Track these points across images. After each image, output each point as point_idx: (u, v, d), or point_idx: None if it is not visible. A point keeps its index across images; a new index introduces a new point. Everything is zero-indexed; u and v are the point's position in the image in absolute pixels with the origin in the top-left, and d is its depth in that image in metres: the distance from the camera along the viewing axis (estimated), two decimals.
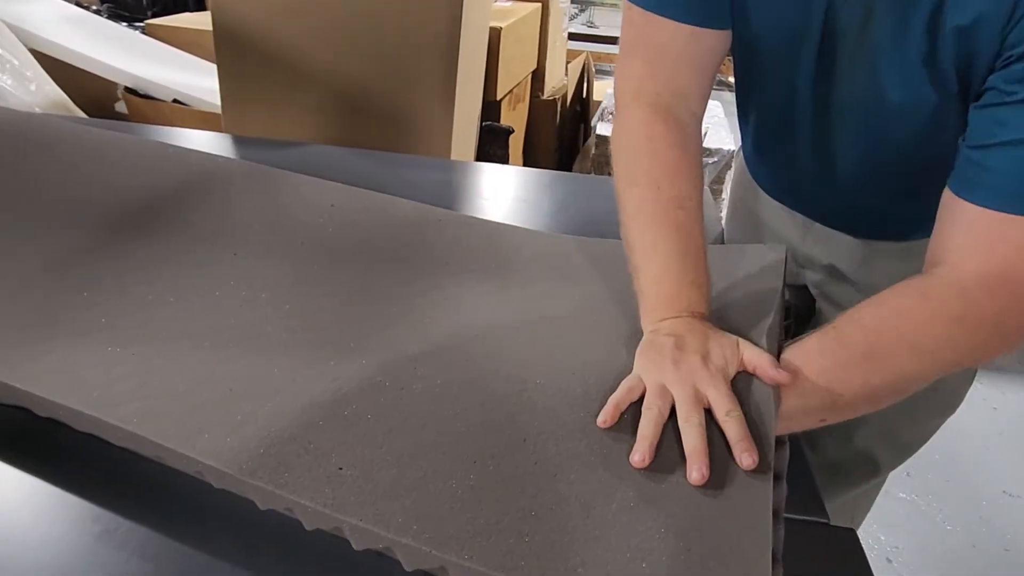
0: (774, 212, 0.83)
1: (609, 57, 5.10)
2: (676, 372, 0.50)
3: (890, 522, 1.43)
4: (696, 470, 0.45)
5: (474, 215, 0.88)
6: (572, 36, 3.36)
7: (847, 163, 0.68)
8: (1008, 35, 0.48)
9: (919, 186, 0.61)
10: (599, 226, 0.89)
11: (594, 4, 4.64)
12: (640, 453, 0.47)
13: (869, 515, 1.32)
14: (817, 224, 0.78)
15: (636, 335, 0.57)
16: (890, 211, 0.72)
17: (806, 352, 0.52)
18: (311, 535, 0.45)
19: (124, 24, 2.26)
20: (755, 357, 0.51)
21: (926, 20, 0.51)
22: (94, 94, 1.89)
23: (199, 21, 2.29)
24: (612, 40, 5.11)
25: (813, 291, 0.84)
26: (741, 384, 0.51)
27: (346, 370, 0.55)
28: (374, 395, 0.52)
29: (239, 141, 1.22)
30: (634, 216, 0.60)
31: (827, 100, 0.64)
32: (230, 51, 1.41)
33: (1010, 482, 1.57)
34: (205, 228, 0.76)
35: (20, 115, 1.09)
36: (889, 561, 1.36)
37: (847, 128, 0.65)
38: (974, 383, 1.78)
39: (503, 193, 1.11)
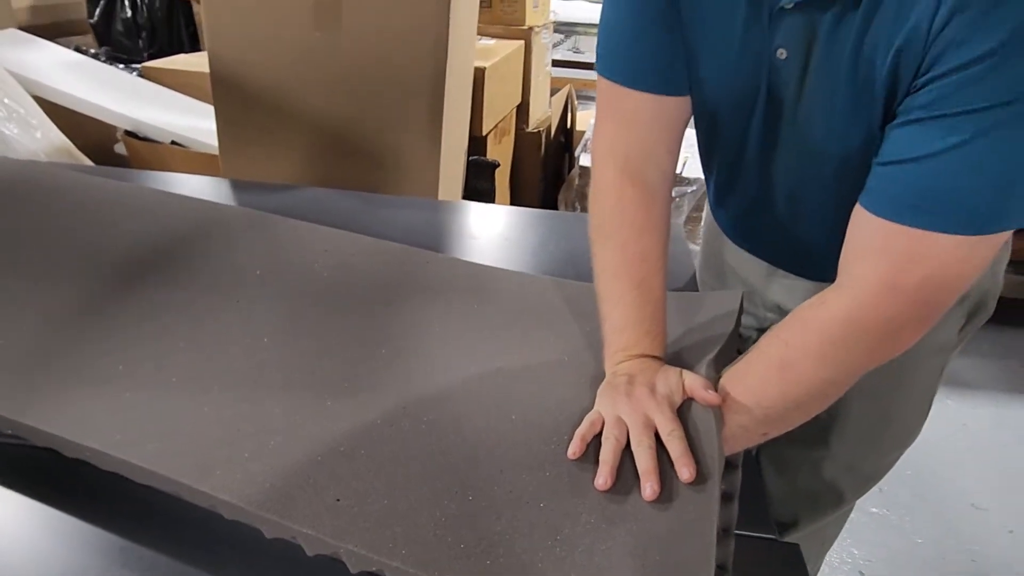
0: (738, 258, 0.89)
1: (594, 83, 5.20)
2: (628, 403, 0.57)
3: (862, 536, 1.50)
4: (649, 487, 0.53)
5: (461, 253, 0.95)
6: (557, 63, 3.45)
7: (796, 210, 0.75)
8: (921, 62, 0.53)
9: None
10: (577, 261, 0.97)
11: (578, 33, 4.74)
12: (603, 477, 0.54)
13: (843, 530, 1.38)
14: (779, 270, 0.84)
15: (602, 375, 0.64)
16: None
17: (735, 374, 0.60)
18: (312, 559, 0.51)
19: (121, 66, 2.33)
20: (693, 383, 0.58)
21: (850, 63, 0.57)
22: (94, 137, 1.96)
23: (193, 63, 2.36)
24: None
25: None
26: (686, 410, 0.58)
27: (341, 409, 0.62)
28: (367, 432, 0.59)
29: (237, 185, 1.29)
30: (603, 271, 0.69)
31: (772, 155, 0.71)
32: (227, 97, 1.49)
33: (977, 496, 1.64)
34: (210, 277, 0.82)
35: (28, 165, 1.16)
36: (861, 574, 1.43)
37: (792, 178, 0.72)
38: (945, 401, 1.87)
39: (488, 231, 1.18)
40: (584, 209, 2.22)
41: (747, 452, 0.64)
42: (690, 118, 0.75)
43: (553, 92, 2.73)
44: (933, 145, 0.52)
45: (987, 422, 1.93)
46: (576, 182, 2.24)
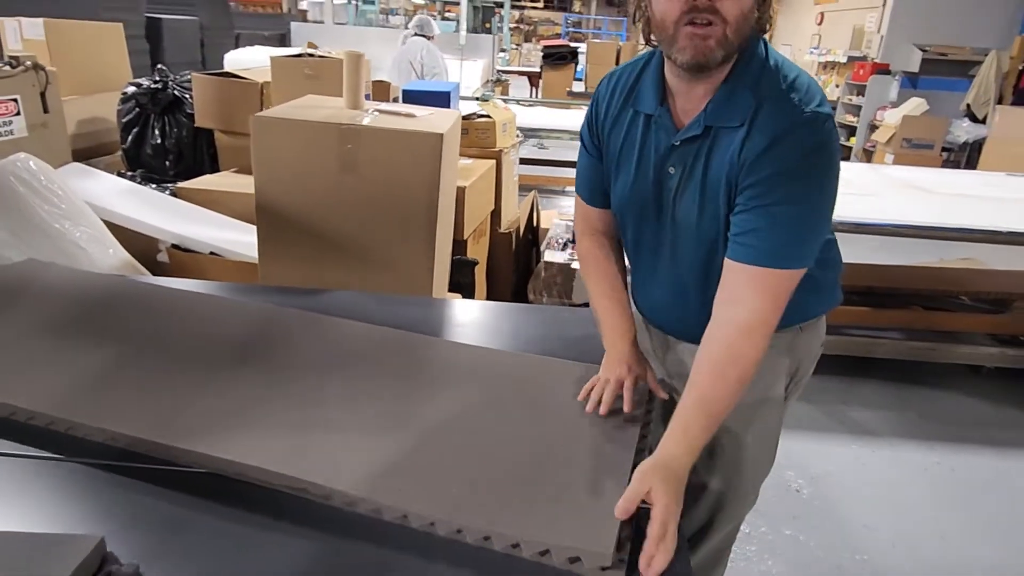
0: (646, 336, 1.29)
1: (556, 180, 5.79)
2: (605, 369, 1.04)
3: (776, 551, 1.87)
4: (593, 404, 0.99)
5: (455, 339, 1.36)
6: (524, 161, 3.99)
7: (678, 278, 1.13)
8: (737, 177, 0.96)
9: None
10: (543, 343, 1.38)
11: (540, 136, 5.35)
12: (591, 405, 1.00)
13: (761, 544, 1.79)
14: (677, 343, 1.22)
15: (564, 420, 1.04)
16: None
17: (677, 418, 0.92)
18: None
19: (154, 186, 2.75)
20: (650, 378, 1.07)
21: (702, 175, 1.00)
22: (140, 248, 2.35)
23: (218, 183, 2.80)
24: (559, 164, 5.84)
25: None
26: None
27: (390, 437, 1.00)
28: (408, 454, 0.97)
29: (280, 290, 1.69)
30: (593, 296, 1.19)
31: (661, 242, 1.11)
32: (268, 219, 1.91)
33: (869, 518, 2.04)
34: (284, 361, 1.21)
35: (117, 279, 1.56)
36: None
37: (673, 256, 1.11)
38: (849, 445, 2.37)
39: (473, 321, 1.59)
40: (550, 298, 2.65)
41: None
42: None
43: (521, 189, 3.22)
44: (757, 224, 0.95)
45: (884, 462, 2.34)
46: (543, 274, 2.67)
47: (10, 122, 2.36)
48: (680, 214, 1.05)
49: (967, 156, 6.71)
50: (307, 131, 1.80)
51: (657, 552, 0.75)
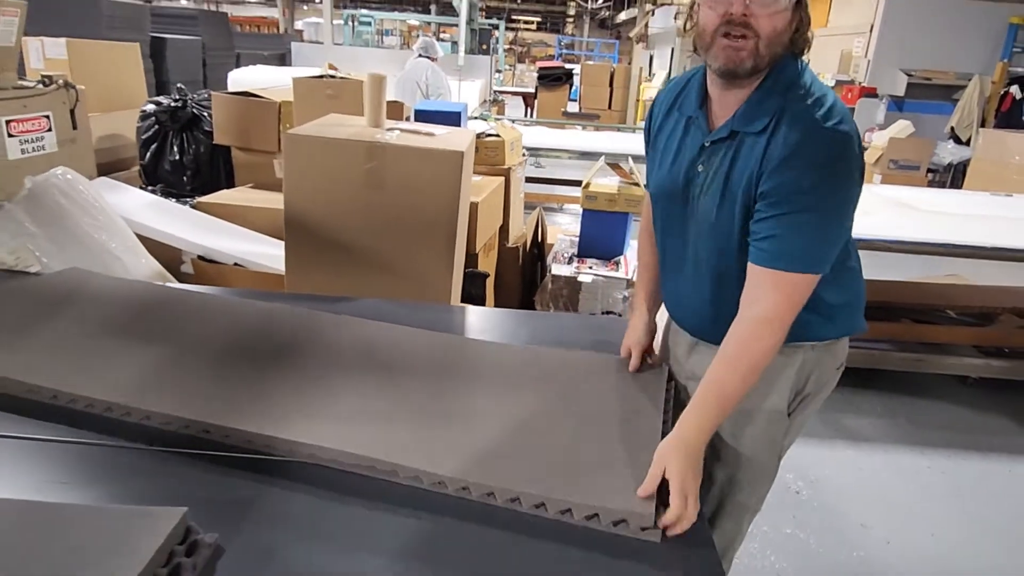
0: (675, 337, 1.37)
1: (555, 198, 5.93)
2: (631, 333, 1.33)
3: (779, 548, 1.97)
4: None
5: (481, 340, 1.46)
6: (528, 179, 4.13)
7: (699, 274, 1.21)
8: (757, 185, 1.05)
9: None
10: (560, 344, 1.49)
11: (538, 155, 5.50)
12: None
13: (764, 542, 1.88)
14: (698, 343, 1.30)
15: (596, 404, 1.15)
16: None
17: (693, 401, 1.03)
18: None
19: (174, 200, 2.85)
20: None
21: (724, 178, 1.09)
22: (164, 258, 2.44)
23: (237, 197, 2.91)
24: (556, 182, 5.98)
25: None
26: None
27: (442, 424, 1.10)
28: (463, 437, 1.07)
29: (309, 298, 1.79)
30: (639, 265, 1.43)
31: (685, 234, 1.20)
32: (295, 232, 2.01)
33: (865, 517, 2.15)
34: (327, 359, 1.30)
35: (153, 287, 1.66)
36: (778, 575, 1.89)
37: (696, 251, 1.20)
38: (845, 451, 2.49)
39: (493, 326, 1.70)
40: (557, 309, 2.76)
41: None
42: None
43: (527, 206, 3.34)
44: (773, 230, 1.03)
45: (877, 465, 2.45)
46: (550, 286, 2.78)
47: (42, 138, 2.45)
48: (701, 209, 1.15)
49: (952, 177, 6.91)
50: (336, 148, 1.92)
51: (682, 517, 0.86)
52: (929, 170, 6.93)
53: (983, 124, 7.05)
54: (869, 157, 7.02)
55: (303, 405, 1.13)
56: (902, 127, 6.98)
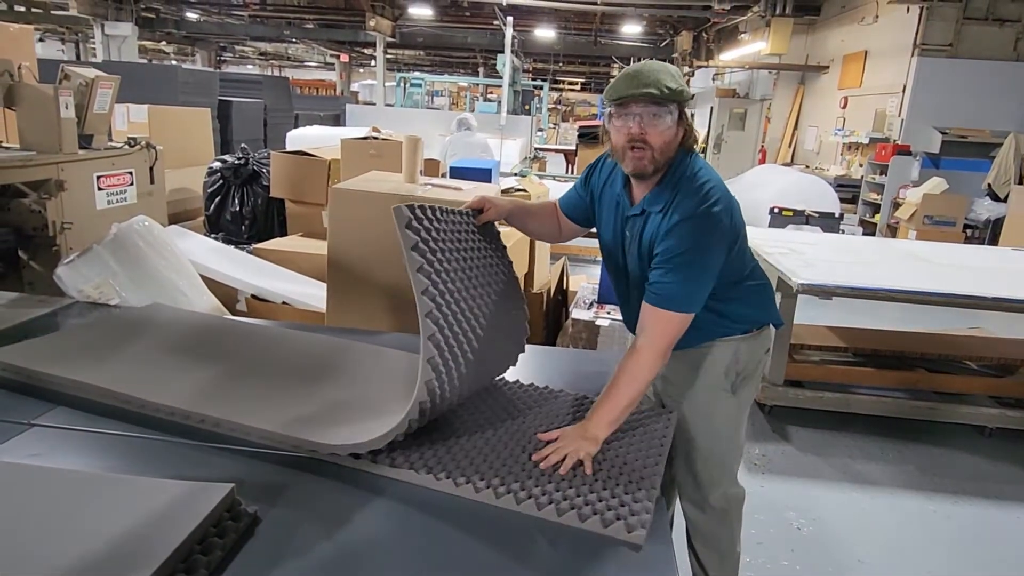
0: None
1: (586, 250, 6.17)
2: None
3: None
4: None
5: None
6: None
7: (630, 301, 1.53)
8: (656, 244, 1.37)
9: None
10: (570, 379, 1.69)
11: None
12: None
13: (759, 572, 2.01)
14: None
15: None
16: None
17: (597, 404, 1.32)
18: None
19: (234, 246, 3.18)
20: None
21: (638, 240, 1.43)
22: (223, 296, 2.74)
23: (289, 244, 3.22)
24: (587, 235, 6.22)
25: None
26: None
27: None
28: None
29: (348, 331, 2.03)
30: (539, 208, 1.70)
31: (624, 274, 1.54)
32: (337, 274, 2.27)
33: (862, 554, 2.22)
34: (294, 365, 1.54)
35: (211, 317, 1.92)
36: None
37: (628, 286, 1.54)
38: (851, 493, 2.63)
39: (527, 360, 1.90)
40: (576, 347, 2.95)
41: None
42: (572, 231, 1.69)
43: (552, 257, 3.56)
44: (657, 278, 1.36)
45: (883, 507, 2.53)
46: (571, 329, 2.98)
47: (125, 191, 2.81)
48: (631, 262, 1.53)
49: (990, 232, 6.90)
50: (375, 201, 2.19)
51: (550, 456, 1.22)
52: (967, 226, 6.94)
53: (1020, 181, 7.04)
54: (903, 213, 7.08)
55: (248, 394, 1.43)
56: (935, 184, 7.04)
